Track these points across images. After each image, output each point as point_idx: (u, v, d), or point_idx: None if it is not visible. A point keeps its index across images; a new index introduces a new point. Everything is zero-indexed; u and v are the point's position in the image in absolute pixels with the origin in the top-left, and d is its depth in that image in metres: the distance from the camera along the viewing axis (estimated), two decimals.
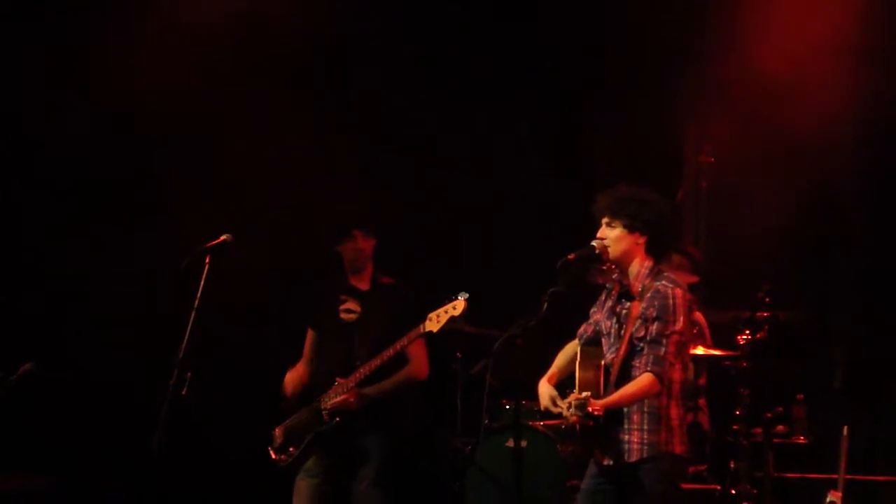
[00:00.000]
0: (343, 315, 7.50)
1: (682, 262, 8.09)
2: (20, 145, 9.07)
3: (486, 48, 9.60)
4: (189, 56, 9.04)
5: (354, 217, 7.59)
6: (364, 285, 7.59)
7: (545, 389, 6.49)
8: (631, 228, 6.39)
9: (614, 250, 6.41)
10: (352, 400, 7.21)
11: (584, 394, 6.17)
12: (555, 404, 6.37)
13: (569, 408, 6.19)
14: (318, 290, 7.66)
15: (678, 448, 6.30)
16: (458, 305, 7.06)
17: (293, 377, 7.61)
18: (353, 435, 7.27)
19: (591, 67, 9.60)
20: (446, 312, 7.08)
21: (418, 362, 7.41)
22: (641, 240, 6.40)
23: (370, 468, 7.28)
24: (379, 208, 8.16)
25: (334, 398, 7.22)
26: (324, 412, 7.21)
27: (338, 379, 7.24)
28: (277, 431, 7.37)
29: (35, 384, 7.30)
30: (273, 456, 7.35)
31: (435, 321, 7.11)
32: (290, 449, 7.28)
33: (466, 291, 7.08)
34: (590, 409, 6.12)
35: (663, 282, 6.34)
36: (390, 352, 7.20)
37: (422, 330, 7.12)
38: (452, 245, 9.40)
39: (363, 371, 7.23)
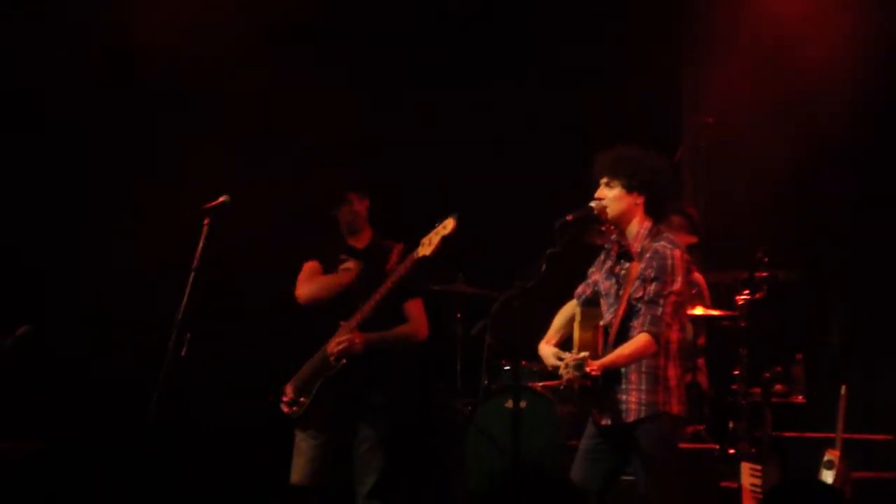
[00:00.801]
0: (343, 272, 7.43)
1: (681, 222, 8.09)
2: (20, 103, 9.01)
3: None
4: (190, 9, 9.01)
5: (347, 180, 7.54)
6: (362, 245, 7.54)
7: (547, 350, 6.50)
8: (629, 188, 6.38)
9: (613, 210, 6.40)
10: (356, 341, 7.13)
11: (582, 354, 6.18)
12: (559, 357, 6.37)
13: (566, 367, 6.19)
14: (320, 253, 7.59)
15: (676, 408, 6.31)
16: (448, 224, 6.96)
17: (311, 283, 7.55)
18: (357, 386, 7.20)
19: (588, 25, 9.56)
20: (437, 234, 6.98)
21: (418, 321, 7.38)
22: (640, 199, 6.39)
23: (371, 430, 7.24)
24: (373, 168, 8.14)
25: (339, 341, 7.15)
26: (330, 356, 7.15)
27: (341, 322, 7.19)
28: (288, 387, 7.31)
29: (31, 347, 7.30)
30: (286, 410, 7.29)
31: (427, 245, 7.00)
32: (302, 399, 7.23)
33: (455, 213, 6.97)
34: (587, 369, 6.13)
35: (662, 242, 6.33)
36: (388, 283, 7.09)
37: (415, 256, 7.03)
38: (450, 205, 9.38)
39: (364, 310, 7.13)
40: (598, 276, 6.56)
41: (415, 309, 7.38)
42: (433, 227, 7.01)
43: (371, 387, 7.25)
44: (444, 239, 6.95)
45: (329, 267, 7.50)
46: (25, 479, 7.80)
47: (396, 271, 7.12)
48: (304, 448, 7.29)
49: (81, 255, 8.93)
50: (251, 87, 9.28)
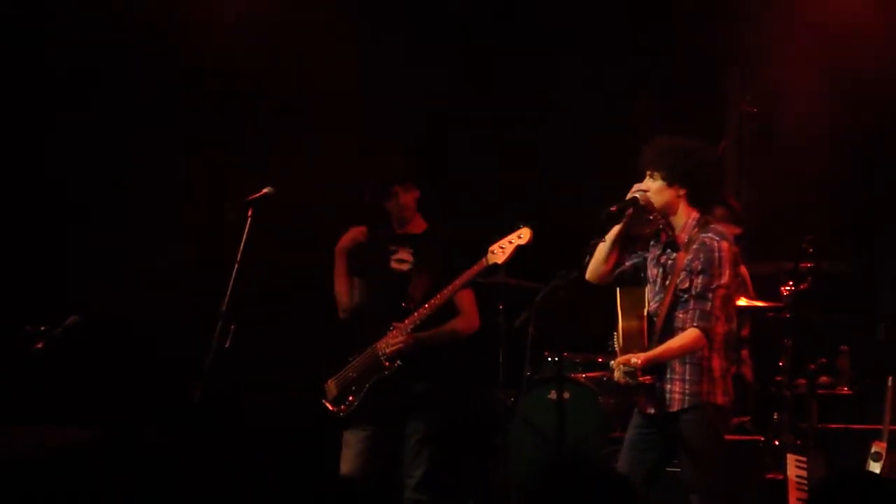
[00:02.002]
0: (395, 265, 7.39)
1: (723, 213, 8.04)
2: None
3: None
4: None
5: (392, 173, 7.46)
6: (412, 234, 7.48)
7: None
8: (670, 181, 6.37)
9: (656, 201, 6.40)
10: (410, 342, 7.10)
11: (634, 361, 6.18)
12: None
13: (619, 368, 6.23)
14: (366, 240, 7.55)
15: (720, 399, 6.30)
16: (524, 234, 6.96)
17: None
18: (408, 383, 7.19)
19: (632, 17, 9.52)
20: (511, 243, 6.98)
21: (469, 314, 7.33)
22: (682, 191, 6.37)
23: (421, 423, 7.22)
24: (419, 161, 8.13)
25: (392, 343, 7.11)
26: (382, 358, 7.12)
27: (394, 324, 7.15)
28: (331, 384, 7.28)
29: (80, 336, 7.34)
30: (331, 408, 7.25)
31: (500, 253, 6.99)
32: (350, 398, 7.19)
33: (530, 223, 6.99)
34: (640, 379, 6.17)
35: (710, 234, 6.31)
36: (450, 289, 7.05)
37: (486, 263, 7.01)
38: (494, 197, 9.39)
39: (422, 312, 7.09)
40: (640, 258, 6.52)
41: (466, 301, 7.33)
42: (503, 234, 7.01)
43: (420, 381, 7.23)
44: (519, 248, 6.97)
45: (378, 255, 7.43)
46: (75, 468, 7.85)
47: (463, 276, 7.07)
48: (352, 441, 7.27)
49: (129, 243, 8.96)
50: (304, 81, 9.28)
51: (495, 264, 7.02)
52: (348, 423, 7.27)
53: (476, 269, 7.05)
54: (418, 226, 7.46)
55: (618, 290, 6.54)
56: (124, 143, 9.02)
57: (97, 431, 8.09)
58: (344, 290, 7.50)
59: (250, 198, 6.97)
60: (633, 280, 6.53)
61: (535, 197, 9.42)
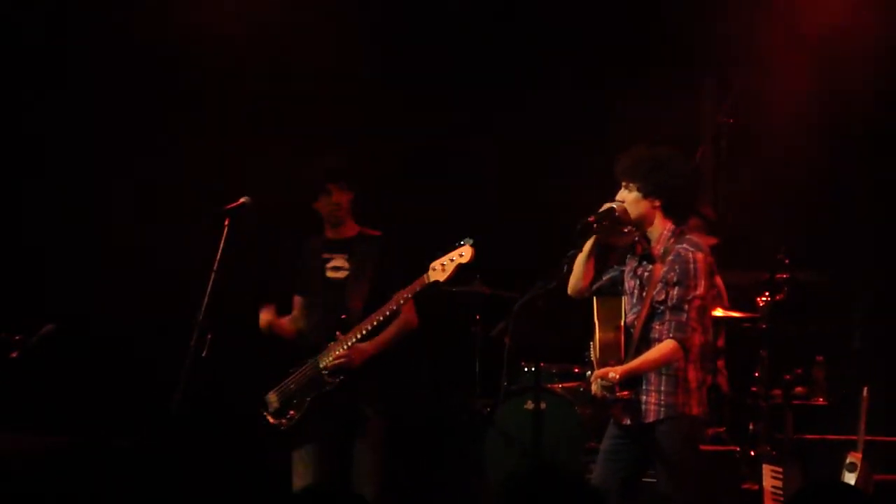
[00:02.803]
0: (330, 273, 7.23)
1: (697, 223, 8.05)
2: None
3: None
4: None
5: (327, 171, 7.27)
6: (346, 238, 7.31)
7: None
8: (645, 192, 6.37)
9: (632, 212, 6.40)
10: (353, 356, 6.99)
11: (612, 375, 6.19)
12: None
13: (595, 381, 6.25)
14: (302, 249, 7.37)
15: (696, 410, 6.30)
16: (466, 252, 6.85)
17: (275, 323, 7.34)
18: (353, 394, 7.07)
19: (609, 28, 9.54)
20: (452, 261, 6.87)
21: (408, 311, 7.18)
22: (657, 203, 6.37)
23: (369, 432, 7.07)
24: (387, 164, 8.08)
25: (334, 356, 7.00)
26: (325, 373, 7.00)
27: (338, 334, 7.02)
28: (272, 396, 7.13)
29: (55, 345, 7.32)
30: (272, 420, 7.11)
31: (440, 270, 6.88)
32: (291, 412, 7.06)
33: (470, 238, 6.85)
34: (618, 394, 6.20)
35: (685, 245, 6.32)
36: (392, 305, 6.95)
37: (426, 281, 6.90)
38: (469, 206, 9.38)
39: (363, 326, 6.98)
40: (617, 272, 6.54)
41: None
42: (446, 251, 6.91)
43: (367, 392, 7.11)
44: (460, 266, 6.89)
45: (313, 266, 7.28)
46: (48, 475, 7.83)
47: (403, 292, 6.97)
48: (302, 457, 7.11)
49: (105, 251, 8.93)
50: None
51: (436, 282, 6.90)
52: (292, 438, 7.13)
53: (416, 286, 6.95)
54: (351, 229, 7.30)
55: (595, 299, 6.55)
56: (99, 152, 8.99)
57: (72, 440, 8.07)
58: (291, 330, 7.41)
59: (227, 207, 6.95)
60: (611, 293, 6.54)
61: (511, 206, 9.43)
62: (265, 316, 7.35)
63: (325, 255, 7.26)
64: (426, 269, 6.92)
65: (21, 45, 8.93)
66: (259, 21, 9.13)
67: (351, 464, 7.09)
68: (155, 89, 9.05)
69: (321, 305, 7.21)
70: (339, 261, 7.24)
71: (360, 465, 7.08)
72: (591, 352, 6.45)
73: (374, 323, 6.99)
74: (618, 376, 6.17)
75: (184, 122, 9.05)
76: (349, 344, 7.00)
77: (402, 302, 6.98)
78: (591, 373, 6.35)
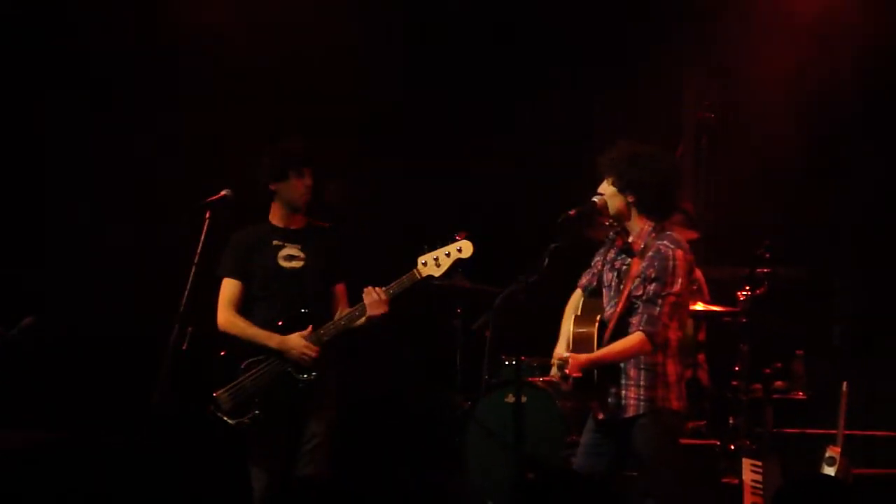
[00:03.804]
0: (284, 262, 7.08)
1: (678, 218, 8.07)
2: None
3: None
4: None
5: (303, 153, 7.16)
6: (297, 227, 7.17)
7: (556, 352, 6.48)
8: (620, 188, 6.40)
9: (611, 206, 6.43)
10: (312, 353, 6.90)
11: (566, 354, 6.24)
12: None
13: (553, 365, 6.28)
14: (241, 238, 7.18)
15: (675, 404, 6.33)
16: (465, 248, 6.88)
17: (236, 325, 7.06)
18: (316, 387, 6.97)
19: (591, 22, 9.54)
20: (448, 255, 6.89)
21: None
22: (630, 199, 6.40)
23: (320, 426, 6.98)
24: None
25: (306, 357, 6.91)
26: (296, 373, 6.89)
27: (309, 329, 6.91)
28: (223, 395, 6.92)
29: (36, 339, 7.30)
30: (230, 421, 6.91)
31: (433, 265, 6.89)
32: (256, 412, 6.87)
33: (463, 231, 6.89)
34: (566, 370, 6.20)
35: (665, 241, 6.34)
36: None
37: (418, 276, 6.90)
38: (454, 201, 9.39)
39: (337, 325, 6.93)
40: (601, 264, 6.56)
41: (343, 288, 7.16)
42: (440, 245, 6.92)
43: (322, 387, 7.02)
44: (459, 261, 6.89)
45: (263, 254, 7.11)
46: (28, 470, 7.81)
47: (392, 285, 6.93)
48: (264, 450, 7.00)
49: (85, 243, 8.92)
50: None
51: (430, 276, 6.90)
52: (253, 434, 6.97)
53: (405, 280, 6.93)
54: (301, 219, 7.18)
55: (583, 298, 6.57)
56: (80, 145, 8.98)
57: (52, 434, 8.05)
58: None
59: (207, 200, 6.94)
60: (600, 292, 6.55)
61: (494, 200, 9.43)
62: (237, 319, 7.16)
63: (276, 243, 7.11)
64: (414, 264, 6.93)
65: (19, 44, 8.92)
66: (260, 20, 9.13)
67: (296, 446, 6.98)
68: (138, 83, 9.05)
69: (276, 296, 7.07)
70: (291, 250, 7.12)
71: (307, 447, 6.97)
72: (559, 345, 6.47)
73: (350, 320, 6.95)
74: (576, 371, 6.18)
75: (166, 116, 9.04)
76: (322, 342, 6.94)
77: (387, 296, 6.93)
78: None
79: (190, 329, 6.64)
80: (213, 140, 9.02)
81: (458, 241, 6.93)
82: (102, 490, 7.92)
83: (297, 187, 7.11)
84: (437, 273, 6.94)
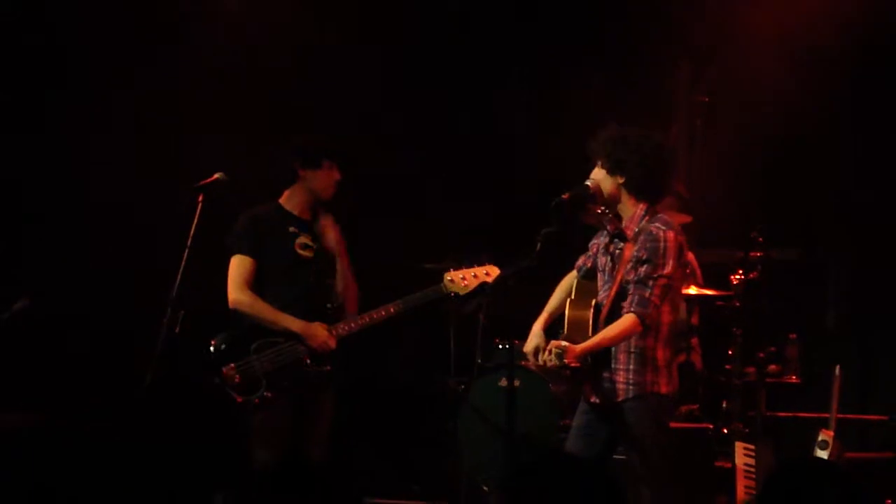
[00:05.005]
0: (300, 250, 7.09)
1: (671, 201, 8.06)
2: None
3: None
4: None
5: (340, 145, 7.21)
6: (308, 218, 7.20)
7: (532, 340, 6.52)
8: (610, 169, 6.40)
9: (603, 189, 6.43)
10: (332, 345, 6.97)
11: (563, 343, 6.26)
12: (535, 356, 6.40)
13: (548, 353, 6.25)
14: (256, 218, 7.17)
15: (664, 388, 6.33)
16: (492, 272, 7.00)
17: (255, 305, 7.01)
18: (318, 379, 7.04)
19: (586, 4, 9.53)
20: (475, 277, 7.02)
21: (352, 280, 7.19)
22: (620, 180, 6.40)
23: (323, 412, 7.04)
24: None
25: (321, 345, 6.96)
26: (313, 363, 6.94)
27: (328, 327, 6.95)
28: (231, 371, 6.92)
29: (28, 321, 7.30)
30: (239, 398, 6.93)
31: (460, 283, 7.02)
32: (267, 394, 6.90)
33: (487, 256, 7.05)
34: (566, 360, 6.22)
35: (657, 223, 6.35)
36: (397, 307, 7.00)
37: (443, 291, 7.02)
38: (446, 185, 9.39)
39: (361, 322, 6.99)
40: (597, 249, 6.57)
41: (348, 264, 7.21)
42: (469, 264, 7.03)
43: (328, 374, 7.08)
44: (484, 285, 6.98)
45: (279, 239, 7.11)
46: (20, 452, 7.81)
47: (416, 296, 7.04)
48: (271, 429, 6.99)
49: (78, 226, 8.90)
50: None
51: (455, 294, 7.03)
52: (260, 413, 6.98)
53: (431, 292, 7.05)
54: (311, 212, 7.19)
55: (576, 281, 6.58)
56: (72, 130, 8.95)
57: (44, 415, 8.05)
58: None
59: (201, 183, 6.93)
60: (594, 275, 6.56)
61: (488, 183, 9.43)
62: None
63: (293, 230, 7.12)
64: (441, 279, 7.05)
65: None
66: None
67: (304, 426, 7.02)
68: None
69: (292, 283, 7.08)
70: (305, 239, 7.13)
71: (315, 432, 7.03)
72: (562, 332, 6.48)
73: (371, 322, 7.01)
74: (574, 361, 6.20)
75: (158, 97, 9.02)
76: (341, 336, 6.98)
77: (410, 306, 7.03)
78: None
79: (182, 312, 6.64)
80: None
81: (486, 264, 7.04)
82: (93, 473, 7.93)
83: (328, 178, 7.12)
84: (462, 292, 7.06)
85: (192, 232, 6.78)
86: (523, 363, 8.22)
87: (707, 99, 9.37)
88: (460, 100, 9.53)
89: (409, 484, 8.84)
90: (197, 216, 6.82)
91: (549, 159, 8.57)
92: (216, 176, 6.96)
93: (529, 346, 6.50)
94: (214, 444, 8.50)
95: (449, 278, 7.05)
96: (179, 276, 6.69)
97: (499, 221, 9.07)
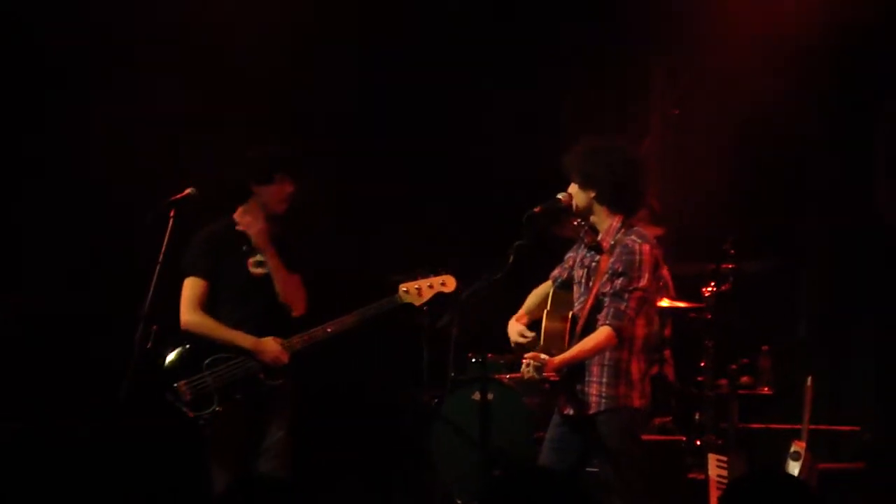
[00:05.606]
0: (253, 269, 7.01)
1: (643, 214, 8.09)
2: None
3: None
4: None
5: (291, 160, 7.09)
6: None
7: (514, 327, 6.58)
8: (581, 184, 6.42)
9: (577, 203, 6.45)
10: (285, 359, 6.91)
11: (543, 357, 6.26)
12: (523, 336, 6.45)
13: (527, 366, 6.25)
14: (208, 238, 7.10)
15: (637, 402, 6.34)
16: (449, 283, 7.00)
17: (205, 324, 6.96)
18: (271, 393, 6.98)
19: (560, 16, 9.54)
20: (431, 287, 7.01)
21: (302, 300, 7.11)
22: (592, 194, 6.42)
23: (281, 426, 6.95)
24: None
25: (275, 359, 6.90)
26: (265, 377, 6.87)
27: (282, 341, 6.89)
28: (183, 387, 6.85)
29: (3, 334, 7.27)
30: (190, 413, 6.86)
31: (415, 294, 7.01)
32: (217, 408, 6.83)
33: (443, 267, 7.03)
34: (545, 374, 6.24)
35: (632, 236, 6.36)
36: (352, 319, 6.95)
37: (398, 301, 7.00)
38: (417, 199, 9.39)
39: (315, 336, 6.93)
40: (573, 262, 6.58)
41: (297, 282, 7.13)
42: (424, 274, 7.01)
43: (282, 387, 7.02)
44: (440, 294, 6.98)
45: (230, 256, 7.04)
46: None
47: (370, 308, 6.99)
48: (225, 445, 6.95)
49: (53, 239, 8.86)
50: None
51: (410, 304, 7.02)
52: (212, 428, 6.92)
53: (385, 303, 7.02)
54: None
55: (552, 291, 6.59)
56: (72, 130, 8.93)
57: (20, 425, 8.03)
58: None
59: (172, 198, 6.90)
60: (570, 286, 6.58)
61: (460, 196, 9.44)
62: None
63: (245, 248, 7.05)
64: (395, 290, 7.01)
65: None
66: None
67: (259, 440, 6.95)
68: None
69: (244, 302, 7.02)
70: (258, 256, 7.04)
71: (277, 442, 6.94)
72: (538, 343, 6.48)
73: (325, 335, 6.96)
74: (553, 375, 6.22)
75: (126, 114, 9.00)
76: (295, 350, 6.93)
77: (367, 317, 6.97)
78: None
79: (155, 328, 6.61)
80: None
81: (441, 274, 7.03)
82: (69, 484, 7.91)
83: (280, 192, 7.04)
84: (417, 302, 7.05)
85: (163, 247, 6.75)
86: (497, 376, 8.25)
87: (678, 111, 9.39)
88: (430, 116, 9.54)
89: (383, 499, 8.83)
90: (168, 231, 6.79)
91: (523, 171, 8.59)
92: (188, 191, 6.91)
93: (514, 334, 6.55)
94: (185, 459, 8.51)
95: (404, 289, 7.05)
96: (151, 292, 6.66)
97: (470, 229, 9.10)
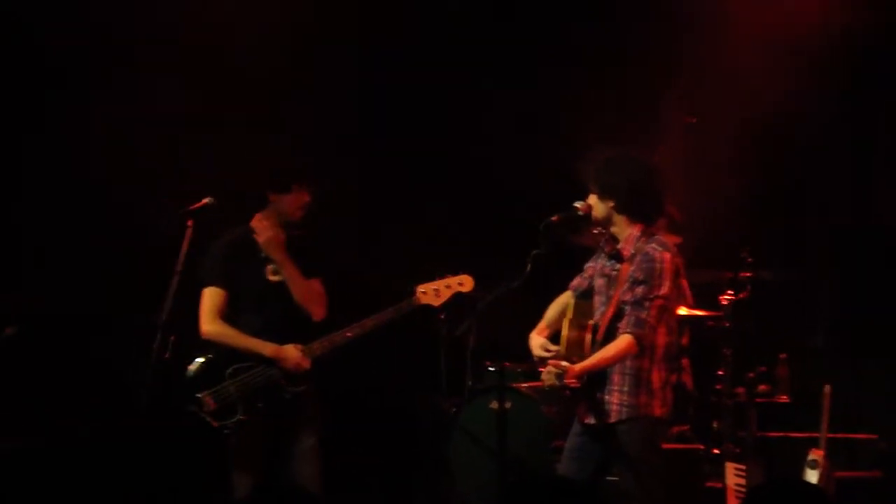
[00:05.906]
0: (272, 276, 7.04)
1: (662, 222, 8.08)
2: None
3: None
4: None
5: (299, 169, 7.13)
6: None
7: (536, 341, 6.55)
8: (599, 194, 6.43)
9: (597, 213, 6.45)
10: (306, 365, 6.93)
11: (563, 364, 6.25)
12: (546, 350, 6.41)
13: (548, 373, 6.24)
14: (227, 247, 7.13)
15: (658, 411, 6.33)
16: (466, 282, 7.00)
17: (225, 334, 6.99)
18: (294, 400, 6.99)
19: (575, 26, 9.54)
20: (448, 287, 7.00)
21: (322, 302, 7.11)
22: (611, 203, 6.42)
23: (311, 432, 6.98)
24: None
25: (296, 366, 6.94)
26: (287, 384, 6.90)
27: (301, 347, 6.92)
28: (207, 398, 6.88)
29: (16, 348, 7.28)
30: (214, 423, 6.88)
31: (433, 295, 7.00)
32: (241, 417, 6.86)
33: (464, 269, 7.02)
34: (566, 380, 6.22)
35: (653, 244, 6.37)
36: (372, 323, 6.95)
37: (416, 303, 6.99)
38: (417, 199, 9.39)
39: (335, 340, 6.95)
40: (593, 271, 6.58)
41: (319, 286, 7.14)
42: (441, 276, 7.01)
43: (305, 394, 7.03)
44: (457, 295, 6.98)
45: (250, 265, 7.08)
46: (6, 477, 7.80)
47: (389, 311, 6.99)
48: (246, 454, 6.96)
49: (71, 252, 8.88)
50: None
51: (429, 305, 7.01)
52: (236, 438, 6.94)
53: (404, 306, 7.01)
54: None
55: (573, 300, 6.58)
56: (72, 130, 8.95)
57: (34, 441, 8.04)
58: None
59: (190, 208, 6.91)
60: (591, 296, 6.57)
61: (460, 196, 9.44)
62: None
63: (264, 255, 7.06)
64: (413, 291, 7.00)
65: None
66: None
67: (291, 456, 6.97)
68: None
69: (264, 310, 7.04)
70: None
71: (309, 448, 6.97)
72: (558, 351, 6.47)
73: (345, 339, 6.97)
74: (574, 381, 6.21)
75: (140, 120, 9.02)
76: (315, 355, 6.94)
77: (385, 321, 6.97)
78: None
79: (173, 338, 6.62)
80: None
81: (457, 274, 7.02)
82: (80, 498, 7.92)
83: (297, 201, 7.07)
84: (435, 303, 7.04)
85: (181, 257, 6.76)
86: (515, 385, 8.25)
87: (695, 120, 9.37)
88: (440, 121, 9.55)
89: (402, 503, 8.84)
90: (186, 241, 6.80)
91: (523, 171, 8.59)
92: (205, 201, 6.93)
93: (536, 348, 6.50)
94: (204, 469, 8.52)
95: (422, 290, 7.04)
96: (169, 302, 6.67)
97: (470, 229, 9.11)
